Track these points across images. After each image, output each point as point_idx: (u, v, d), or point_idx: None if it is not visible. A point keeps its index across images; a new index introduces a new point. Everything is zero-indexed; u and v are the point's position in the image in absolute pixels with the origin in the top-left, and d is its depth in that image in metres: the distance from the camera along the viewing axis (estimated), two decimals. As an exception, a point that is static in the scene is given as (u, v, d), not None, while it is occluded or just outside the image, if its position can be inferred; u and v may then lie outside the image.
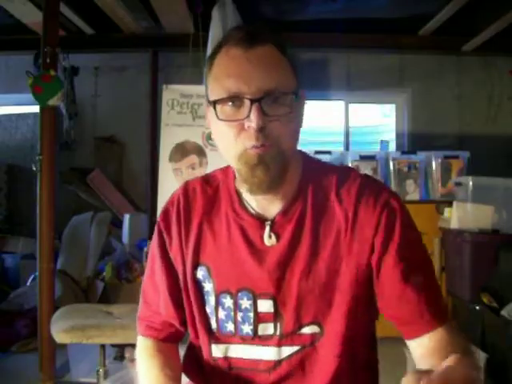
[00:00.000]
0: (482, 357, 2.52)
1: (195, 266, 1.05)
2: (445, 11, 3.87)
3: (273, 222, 1.02)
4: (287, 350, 1.00)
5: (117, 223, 4.25)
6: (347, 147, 4.98)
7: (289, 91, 0.95)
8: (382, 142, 4.59)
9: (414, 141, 4.78)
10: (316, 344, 0.99)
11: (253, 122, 0.91)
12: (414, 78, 4.81)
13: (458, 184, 3.43)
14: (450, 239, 3.25)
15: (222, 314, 1.03)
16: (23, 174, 4.36)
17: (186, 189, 1.12)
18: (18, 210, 4.44)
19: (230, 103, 0.94)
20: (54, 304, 2.83)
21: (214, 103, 0.95)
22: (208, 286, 1.04)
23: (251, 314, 1.01)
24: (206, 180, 1.13)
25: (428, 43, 4.48)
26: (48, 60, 2.79)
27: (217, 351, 1.05)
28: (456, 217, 3.19)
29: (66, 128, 4.42)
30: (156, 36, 4.43)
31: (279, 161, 0.95)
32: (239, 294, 1.02)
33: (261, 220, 1.03)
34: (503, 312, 2.53)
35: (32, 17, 3.72)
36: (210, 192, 1.10)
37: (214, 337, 1.05)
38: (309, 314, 0.99)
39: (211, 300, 1.04)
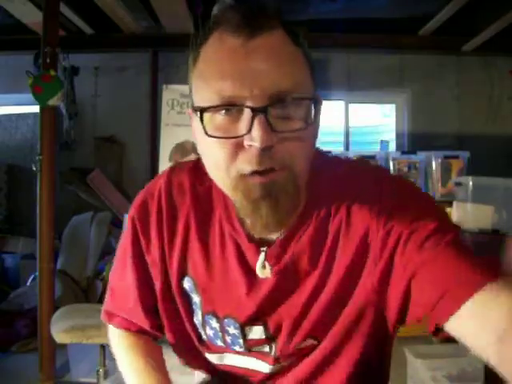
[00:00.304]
0: (482, 357, 2.51)
1: (182, 276, 0.89)
2: (445, 11, 3.87)
3: (268, 249, 0.82)
4: (284, 363, 0.89)
5: (117, 223, 4.25)
6: (347, 147, 4.98)
7: (305, 95, 0.72)
8: (381, 141, 4.59)
9: (413, 141, 4.78)
10: (313, 353, 0.86)
11: (255, 141, 0.67)
12: (413, 78, 4.81)
13: (458, 184, 3.42)
14: (450, 239, 3.24)
15: (209, 331, 0.90)
16: (23, 174, 4.36)
17: (170, 182, 0.90)
18: (18, 210, 4.44)
19: (224, 112, 0.70)
20: (54, 304, 2.83)
21: (201, 112, 0.71)
22: (195, 298, 0.90)
23: (240, 341, 0.88)
24: (196, 174, 0.89)
25: (428, 43, 4.48)
26: (48, 60, 2.78)
27: (211, 358, 0.95)
28: (456, 217, 3.19)
29: (66, 128, 4.42)
30: (156, 36, 4.43)
31: (291, 191, 0.72)
32: (225, 321, 0.87)
33: (257, 245, 0.83)
34: (503, 312, 2.53)
35: (32, 17, 3.72)
36: (201, 192, 0.88)
37: (206, 346, 0.93)
38: (305, 335, 0.85)
39: (199, 314, 0.90)
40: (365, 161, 0.92)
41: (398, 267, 0.74)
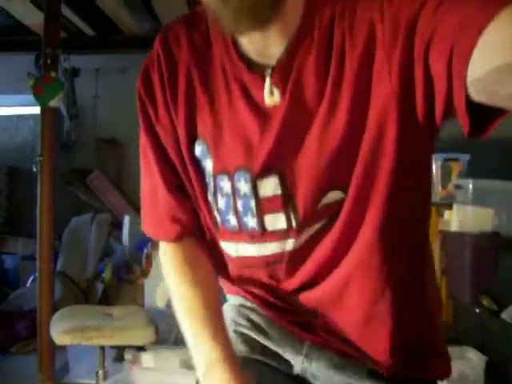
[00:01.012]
0: (481, 359, 2.51)
1: (192, 140, 0.82)
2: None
3: (273, 71, 0.74)
4: (308, 232, 0.78)
5: (117, 225, 4.25)
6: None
7: None
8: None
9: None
10: (340, 213, 0.75)
11: None
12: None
13: (458, 187, 3.43)
14: (451, 242, 3.24)
15: (221, 202, 0.82)
16: (24, 176, 4.36)
17: (166, 40, 0.83)
18: (18, 211, 4.44)
19: None
20: (54, 305, 2.83)
21: None
22: (208, 166, 0.81)
23: (252, 202, 0.79)
24: (191, 22, 0.82)
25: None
26: (49, 61, 2.78)
27: (228, 249, 0.86)
28: (456, 219, 3.19)
29: (67, 129, 4.42)
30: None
31: None
32: (236, 175, 0.78)
33: (261, 70, 0.75)
34: (503, 315, 2.53)
35: (33, 18, 3.72)
36: (197, 37, 0.81)
37: (220, 233, 0.85)
38: (329, 183, 0.75)
39: (211, 184, 0.82)
40: None
41: (417, 45, 0.64)
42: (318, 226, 0.78)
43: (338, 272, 0.79)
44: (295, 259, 0.81)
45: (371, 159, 0.72)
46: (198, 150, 0.82)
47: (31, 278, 3.84)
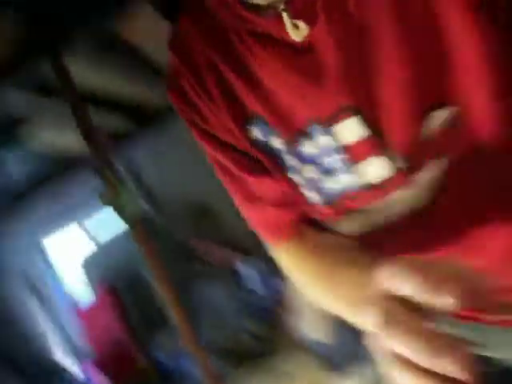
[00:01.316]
0: None
1: (244, 124, 0.69)
2: None
3: (287, 4, 0.59)
4: (422, 176, 0.62)
5: (236, 277, 4.29)
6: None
7: None
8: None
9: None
10: (456, 136, 0.59)
11: None
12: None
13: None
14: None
15: (307, 172, 0.68)
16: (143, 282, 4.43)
17: (175, 42, 0.74)
18: (150, 316, 4.53)
19: None
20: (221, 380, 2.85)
21: None
22: (276, 142, 0.68)
23: (340, 155, 0.64)
24: (195, 10, 0.71)
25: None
26: (104, 173, 2.72)
27: (333, 225, 0.72)
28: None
29: (148, 213, 4.48)
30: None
31: None
32: (311, 133, 0.65)
33: (275, 11, 0.61)
34: None
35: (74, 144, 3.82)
36: (207, 24, 0.70)
37: (317, 210, 0.71)
38: (424, 100, 0.58)
39: (288, 158, 0.69)
40: None
41: None
42: (432, 166, 0.61)
43: (486, 220, 0.62)
44: (424, 219, 0.64)
45: (459, 42, 0.56)
46: (257, 130, 0.69)
47: (185, 363, 3.91)
